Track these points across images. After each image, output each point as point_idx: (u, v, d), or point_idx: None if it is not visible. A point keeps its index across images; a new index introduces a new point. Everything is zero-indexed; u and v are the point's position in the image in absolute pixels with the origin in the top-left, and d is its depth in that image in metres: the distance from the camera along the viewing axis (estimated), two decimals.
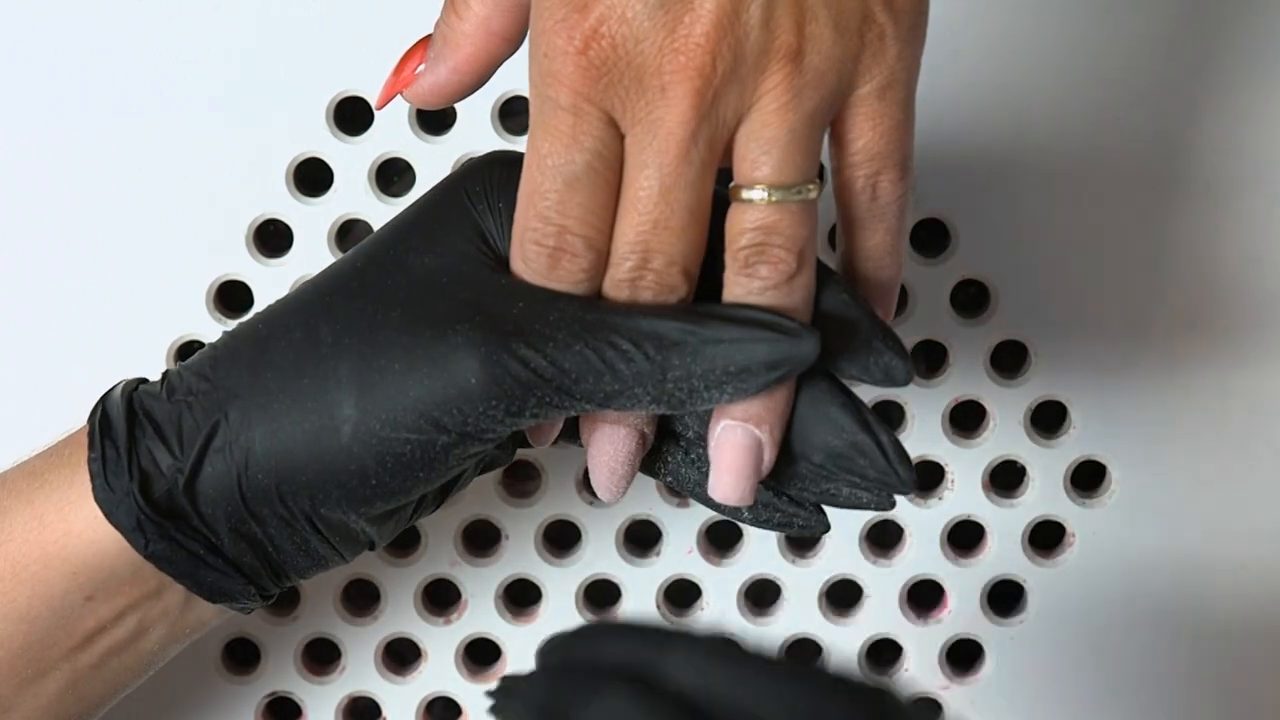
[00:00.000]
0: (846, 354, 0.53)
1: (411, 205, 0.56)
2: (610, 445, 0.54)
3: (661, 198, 0.50)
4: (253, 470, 0.54)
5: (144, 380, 0.57)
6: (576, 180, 0.50)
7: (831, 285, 0.53)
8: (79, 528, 0.56)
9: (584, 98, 0.49)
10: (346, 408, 0.53)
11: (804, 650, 0.74)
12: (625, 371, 0.51)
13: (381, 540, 0.57)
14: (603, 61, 0.49)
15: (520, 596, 0.73)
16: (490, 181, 0.54)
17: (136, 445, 0.55)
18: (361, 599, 0.73)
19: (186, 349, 0.70)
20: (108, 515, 0.55)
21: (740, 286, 0.51)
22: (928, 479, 0.72)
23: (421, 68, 0.54)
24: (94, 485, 0.55)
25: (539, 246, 0.51)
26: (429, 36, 0.54)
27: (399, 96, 0.55)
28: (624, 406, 0.52)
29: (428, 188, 0.67)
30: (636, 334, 0.51)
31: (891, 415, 0.71)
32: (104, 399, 0.56)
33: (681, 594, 0.73)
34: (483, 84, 0.54)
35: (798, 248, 0.51)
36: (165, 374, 0.56)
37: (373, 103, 0.68)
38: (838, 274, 0.54)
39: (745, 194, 0.50)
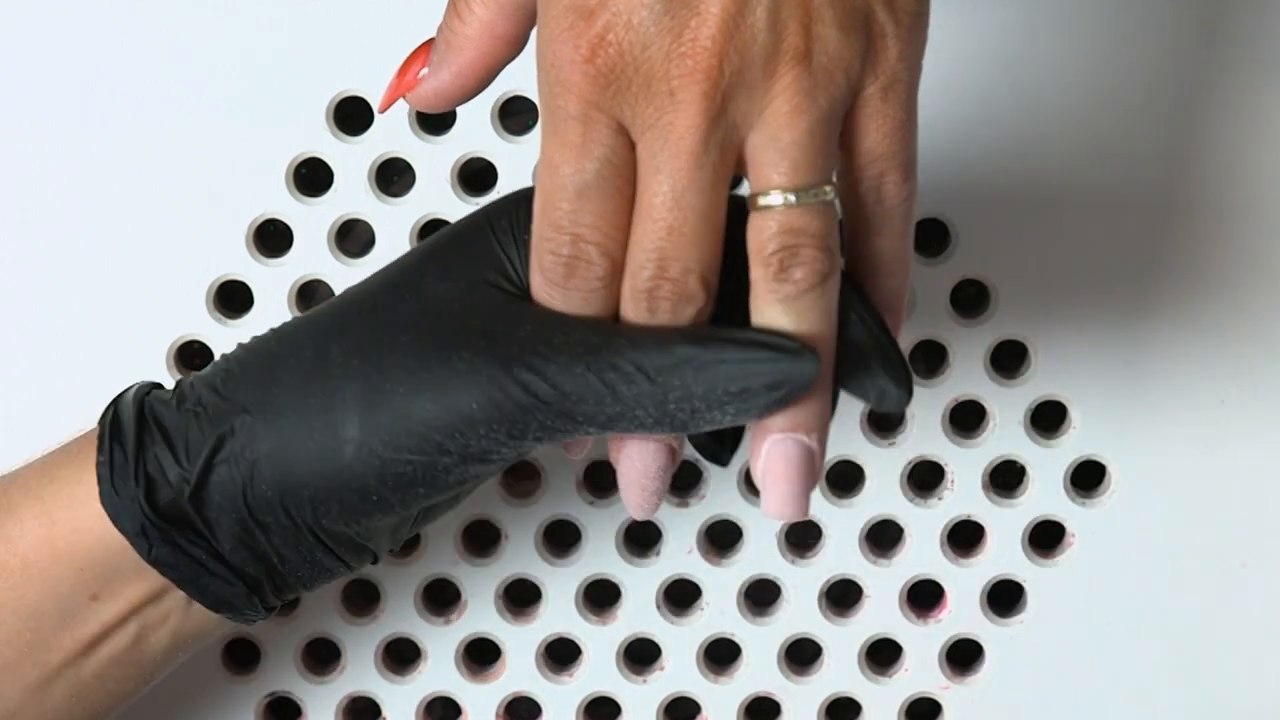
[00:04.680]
0: (846, 373, 0.52)
1: (436, 234, 0.56)
2: (640, 461, 0.54)
3: (675, 203, 0.50)
4: (257, 482, 0.54)
5: (158, 385, 0.58)
6: (588, 189, 0.50)
7: (843, 299, 0.52)
8: (87, 524, 0.56)
9: (593, 105, 0.49)
10: (350, 428, 0.53)
11: (804, 650, 0.74)
12: (626, 394, 0.51)
13: (382, 552, 0.58)
14: (610, 69, 0.48)
15: (520, 596, 0.73)
16: (516, 218, 0.54)
17: (144, 451, 0.56)
18: (361, 599, 0.73)
19: (186, 349, 0.71)
20: (113, 519, 0.56)
21: (773, 293, 0.50)
22: (928, 479, 0.72)
23: (424, 71, 0.54)
24: (100, 489, 0.56)
25: (554, 256, 0.51)
26: (431, 40, 0.54)
27: (401, 100, 0.55)
28: (626, 429, 0.52)
29: (427, 188, 0.68)
30: (638, 352, 0.51)
31: (891, 415, 0.71)
32: (116, 401, 0.57)
33: (681, 594, 0.73)
34: (486, 87, 0.54)
35: (829, 246, 0.50)
36: (179, 383, 0.57)
37: (373, 103, 0.68)
38: (849, 287, 0.53)
39: (764, 200, 0.50)
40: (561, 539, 0.73)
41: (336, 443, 0.53)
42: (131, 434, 0.56)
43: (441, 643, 0.73)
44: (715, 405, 0.51)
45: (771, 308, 0.51)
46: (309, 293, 0.70)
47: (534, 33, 0.51)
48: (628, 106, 0.49)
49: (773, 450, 0.52)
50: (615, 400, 0.51)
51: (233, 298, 0.70)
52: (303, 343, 0.55)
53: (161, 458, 0.55)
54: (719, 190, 0.50)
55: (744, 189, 0.51)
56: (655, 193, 0.50)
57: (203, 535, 0.56)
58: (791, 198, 0.50)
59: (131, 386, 0.57)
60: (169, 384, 0.69)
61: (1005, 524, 0.72)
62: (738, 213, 0.51)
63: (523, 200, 0.54)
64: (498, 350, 0.52)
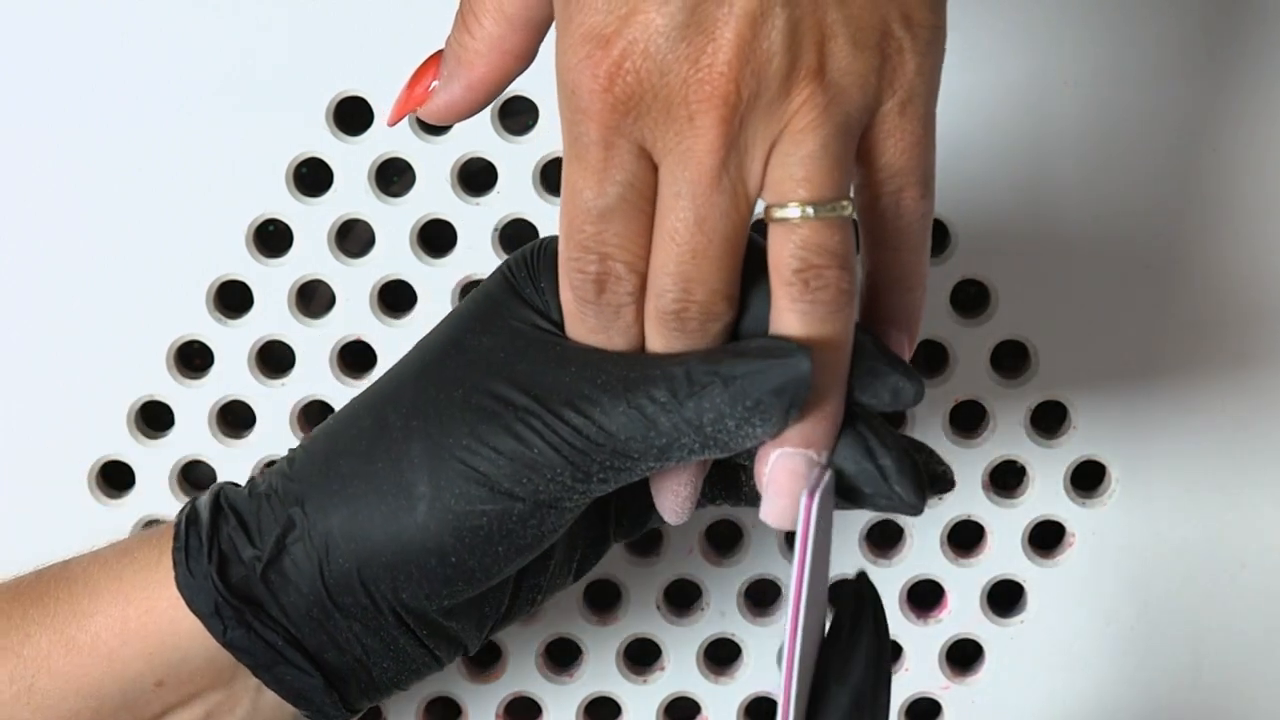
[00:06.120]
0: (852, 380, 0.52)
1: (464, 300, 0.56)
2: (672, 469, 0.54)
3: (698, 227, 0.50)
4: (334, 555, 0.54)
5: (234, 484, 0.58)
6: (611, 211, 0.50)
7: None
8: (161, 606, 0.56)
9: (614, 131, 0.49)
10: (421, 486, 0.53)
11: None
12: (666, 424, 0.51)
13: (470, 639, 0.57)
14: (629, 96, 0.49)
15: None
16: (533, 264, 0.55)
17: (218, 533, 0.56)
18: None
19: (186, 349, 0.70)
20: (188, 601, 0.56)
21: (796, 314, 0.51)
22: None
23: (435, 84, 0.54)
24: (176, 573, 0.56)
25: (583, 274, 0.51)
26: (440, 53, 0.54)
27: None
28: (680, 458, 0.52)
29: (427, 188, 0.68)
30: (671, 382, 0.51)
31: (893, 416, 0.71)
32: (194, 499, 0.57)
33: (682, 594, 0.73)
34: (494, 99, 0.54)
35: (851, 265, 0.51)
36: (252, 477, 0.57)
37: (373, 103, 0.68)
38: None
39: (781, 213, 0.50)
40: None
41: (409, 502, 0.53)
42: (206, 520, 0.56)
43: None
44: (744, 421, 0.51)
45: (793, 330, 0.51)
46: (309, 293, 0.70)
47: (554, 44, 0.51)
48: (648, 130, 0.49)
49: (780, 462, 0.52)
50: (658, 433, 0.51)
51: (233, 298, 0.70)
52: (360, 414, 0.55)
53: (235, 538, 0.55)
54: (740, 211, 0.50)
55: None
56: (678, 216, 0.50)
57: (278, 620, 0.55)
58: (810, 211, 0.50)
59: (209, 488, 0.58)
60: (167, 383, 0.70)
61: (1005, 524, 0.72)
62: None
63: (533, 252, 0.55)
64: (549, 396, 0.52)
